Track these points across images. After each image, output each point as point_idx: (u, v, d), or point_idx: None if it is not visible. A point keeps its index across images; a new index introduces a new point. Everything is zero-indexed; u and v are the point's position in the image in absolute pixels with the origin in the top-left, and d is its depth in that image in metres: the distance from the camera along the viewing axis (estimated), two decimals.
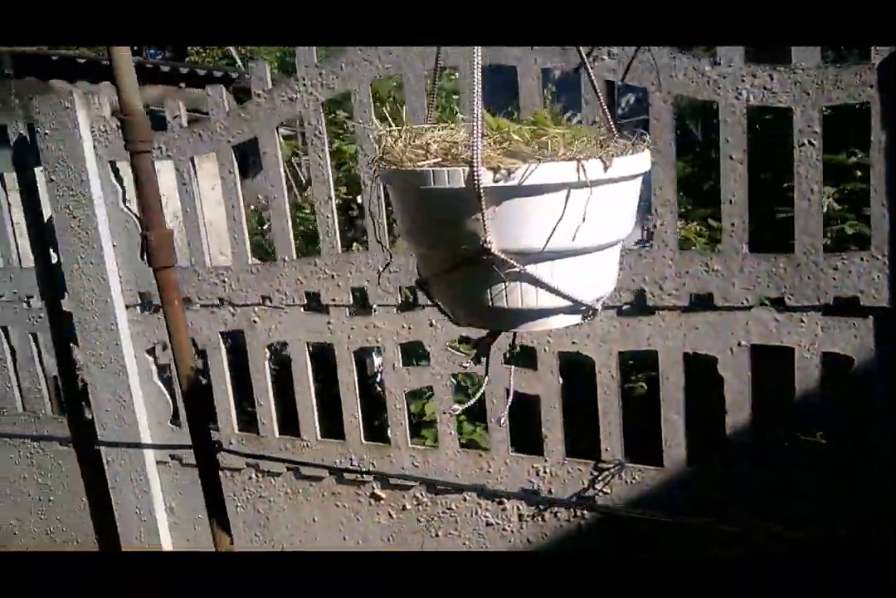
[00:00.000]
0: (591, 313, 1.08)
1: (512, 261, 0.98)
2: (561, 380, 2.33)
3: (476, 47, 1.00)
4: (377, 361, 4.14)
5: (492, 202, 0.95)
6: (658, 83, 1.93)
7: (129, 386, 2.89)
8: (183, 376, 1.99)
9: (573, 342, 2.26)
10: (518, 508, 2.47)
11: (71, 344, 3.06)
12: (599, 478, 2.34)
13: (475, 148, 0.93)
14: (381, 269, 2.35)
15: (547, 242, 0.97)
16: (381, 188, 1.93)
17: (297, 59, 2.37)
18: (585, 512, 2.36)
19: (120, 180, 2.78)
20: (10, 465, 3.40)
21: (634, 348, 2.20)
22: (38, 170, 2.91)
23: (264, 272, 2.61)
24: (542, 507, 2.43)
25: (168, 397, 2.92)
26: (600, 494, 2.34)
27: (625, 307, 2.19)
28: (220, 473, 2.89)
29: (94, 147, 2.72)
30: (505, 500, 2.47)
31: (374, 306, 2.51)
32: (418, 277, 1.20)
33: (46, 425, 3.23)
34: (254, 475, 2.85)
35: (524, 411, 2.41)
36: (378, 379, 4.15)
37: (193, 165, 2.64)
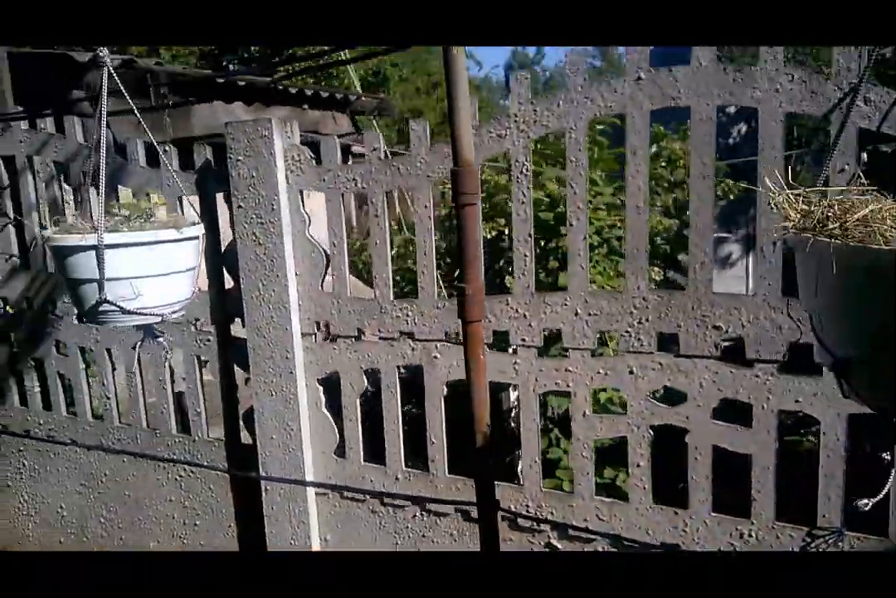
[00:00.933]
0: None
1: None
2: (777, 441, 2.16)
3: None
4: (513, 396, 4.03)
5: None
6: None
7: (299, 414, 2.83)
8: (479, 430, 1.89)
9: (797, 401, 2.10)
10: None
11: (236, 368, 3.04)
12: (812, 545, 2.16)
13: None
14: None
15: None
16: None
17: (510, 95, 2.30)
18: None
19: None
20: (157, 486, 3.38)
21: (868, 411, 2.02)
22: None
23: (452, 308, 2.53)
24: None
25: (335, 427, 2.85)
26: None
27: None
28: (382, 507, 2.81)
29: (287, 176, 2.70)
30: None
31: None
32: (833, 357, 1.09)
33: (201, 448, 3.19)
34: (419, 514, 2.75)
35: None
36: (513, 414, 4.04)
37: (386, 199, 2.58)
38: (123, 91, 2.08)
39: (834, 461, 2.08)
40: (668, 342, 2.28)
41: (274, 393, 2.87)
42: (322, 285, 2.77)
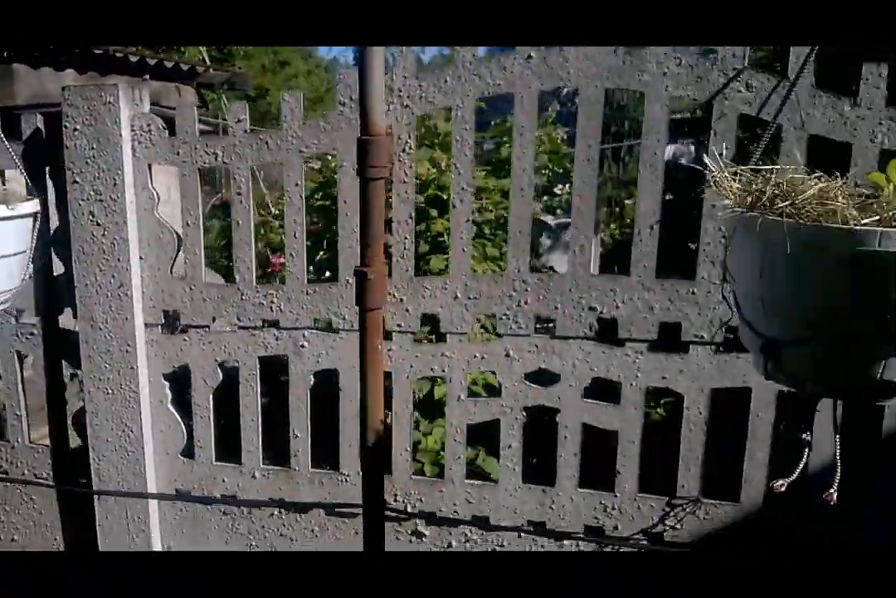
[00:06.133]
0: None
1: None
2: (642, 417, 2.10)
3: None
4: None
5: None
6: (801, 122, 1.80)
7: (140, 414, 2.37)
8: (371, 428, 1.59)
9: (663, 377, 2.06)
10: (578, 545, 2.20)
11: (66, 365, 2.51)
12: (671, 514, 2.12)
13: None
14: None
15: None
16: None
17: (394, 69, 2.06)
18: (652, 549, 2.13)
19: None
20: None
21: (729, 385, 2.02)
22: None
23: (322, 293, 2.23)
24: (602, 544, 2.16)
25: (183, 426, 2.42)
26: (669, 529, 2.12)
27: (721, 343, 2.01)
28: (235, 507, 2.43)
29: (134, 148, 2.26)
30: (564, 538, 2.19)
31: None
32: (764, 339, 1.00)
33: (22, 455, 2.60)
34: (276, 513, 2.40)
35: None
36: None
37: (254, 174, 2.24)
38: None
39: (695, 434, 2.06)
40: (545, 324, 2.16)
41: (110, 391, 2.38)
42: (172, 270, 2.35)
